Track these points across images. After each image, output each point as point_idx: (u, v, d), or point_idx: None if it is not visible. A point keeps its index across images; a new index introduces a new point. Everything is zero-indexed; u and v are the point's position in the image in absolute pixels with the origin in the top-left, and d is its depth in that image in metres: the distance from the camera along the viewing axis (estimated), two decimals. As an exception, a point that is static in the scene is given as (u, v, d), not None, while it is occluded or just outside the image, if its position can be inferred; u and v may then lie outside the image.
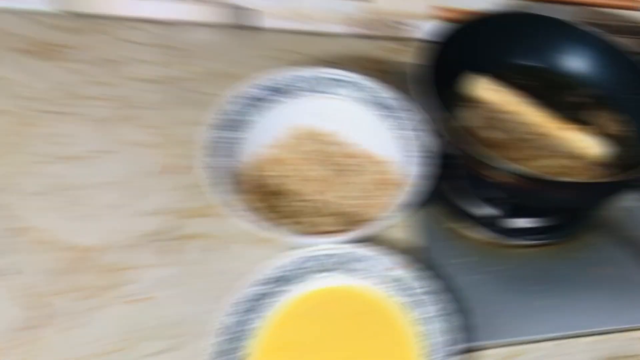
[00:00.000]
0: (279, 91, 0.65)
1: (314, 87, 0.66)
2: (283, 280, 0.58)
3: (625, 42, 0.70)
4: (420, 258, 0.64)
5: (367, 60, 0.77)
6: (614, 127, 0.70)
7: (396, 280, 0.60)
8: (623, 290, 0.68)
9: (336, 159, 0.66)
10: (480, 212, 0.70)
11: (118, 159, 0.66)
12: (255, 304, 0.56)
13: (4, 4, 0.74)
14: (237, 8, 0.75)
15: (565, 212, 0.72)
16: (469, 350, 0.60)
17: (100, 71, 0.72)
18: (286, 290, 0.58)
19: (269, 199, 0.62)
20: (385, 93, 0.66)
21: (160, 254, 0.61)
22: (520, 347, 0.63)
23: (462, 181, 0.71)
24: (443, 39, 0.65)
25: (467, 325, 0.61)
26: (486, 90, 0.69)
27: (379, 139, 0.67)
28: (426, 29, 0.77)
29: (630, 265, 0.69)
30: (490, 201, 0.69)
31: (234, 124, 0.62)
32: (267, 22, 0.77)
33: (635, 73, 0.70)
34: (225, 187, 0.58)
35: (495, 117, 0.68)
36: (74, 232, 0.61)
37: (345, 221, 0.62)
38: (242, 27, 0.77)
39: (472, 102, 0.69)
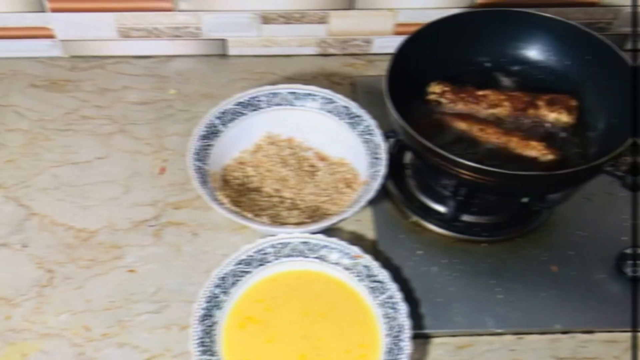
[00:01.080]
0: (254, 105, 0.76)
1: (288, 101, 0.77)
2: (255, 261, 0.66)
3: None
4: (374, 249, 0.70)
5: (331, 75, 0.88)
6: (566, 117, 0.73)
7: (354, 266, 0.66)
8: (571, 290, 0.68)
9: (306, 162, 0.76)
10: (433, 207, 0.73)
11: (117, 163, 0.78)
12: (230, 279, 0.64)
13: (21, 54, 0.88)
14: (212, 40, 0.87)
15: (515, 210, 0.73)
16: (420, 337, 0.65)
17: (99, 98, 0.85)
18: (255, 272, 0.66)
19: (244, 195, 0.72)
20: (347, 103, 0.76)
21: (152, 236, 0.72)
22: (470, 338, 0.66)
23: (411, 178, 0.76)
24: (399, 50, 0.70)
25: (417, 313, 0.66)
26: (442, 94, 0.74)
27: (344, 143, 0.76)
28: (384, 44, 0.88)
29: (577, 266, 0.70)
30: (443, 197, 0.73)
31: (214, 134, 0.74)
32: (236, 51, 0.88)
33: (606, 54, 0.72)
34: (207, 184, 0.69)
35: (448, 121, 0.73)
36: (79, 218, 0.74)
37: (308, 215, 0.71)
38: (218, 55, 0.89)
39: (432, 106, 0.74)
